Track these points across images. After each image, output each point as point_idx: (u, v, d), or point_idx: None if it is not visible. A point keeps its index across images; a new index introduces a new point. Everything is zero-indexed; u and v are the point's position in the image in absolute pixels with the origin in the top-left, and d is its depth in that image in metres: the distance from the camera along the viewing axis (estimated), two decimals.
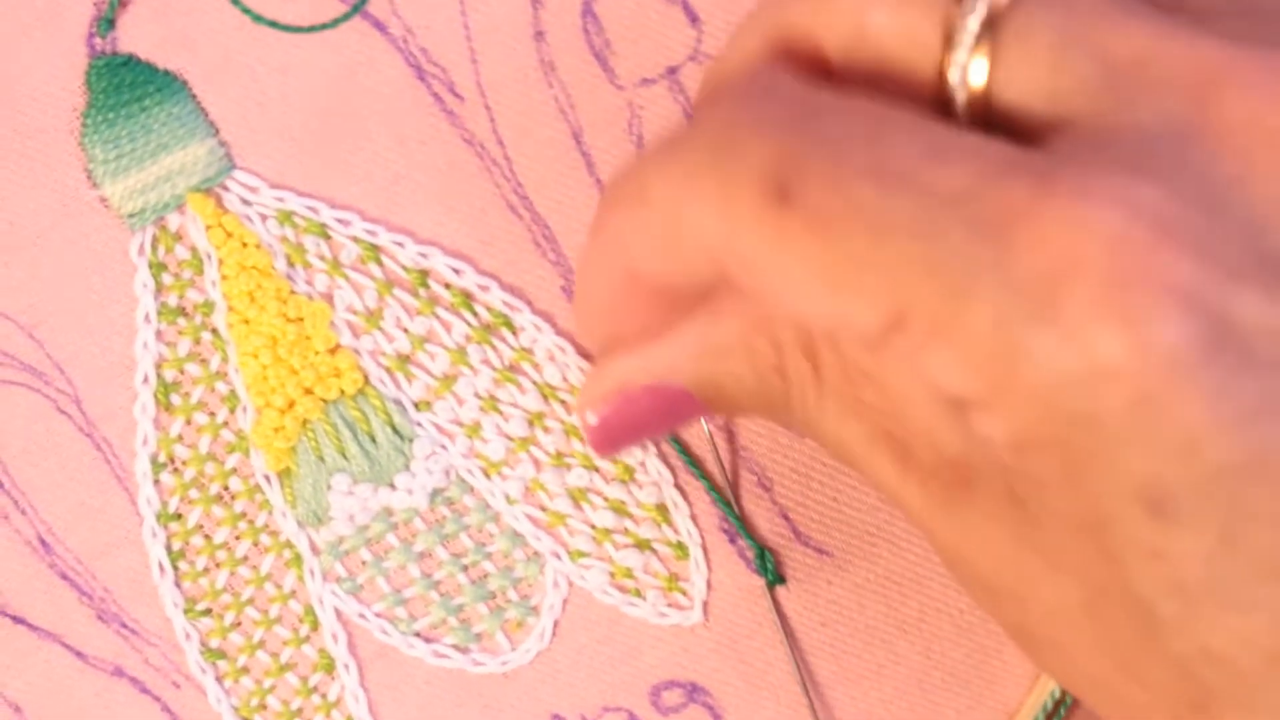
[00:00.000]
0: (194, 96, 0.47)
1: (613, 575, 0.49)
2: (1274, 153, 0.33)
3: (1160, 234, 0.33)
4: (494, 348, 0.48)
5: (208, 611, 0.48)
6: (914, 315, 0.34)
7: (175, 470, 0.48)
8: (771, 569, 0.49)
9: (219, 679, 0.49)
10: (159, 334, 0.47)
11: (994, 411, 0.34)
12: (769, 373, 0.39)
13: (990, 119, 0.36)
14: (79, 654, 0.48)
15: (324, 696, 0.49)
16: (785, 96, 0.37)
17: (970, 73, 0.36)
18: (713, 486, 0.49)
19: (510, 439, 0.48)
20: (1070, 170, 0.33)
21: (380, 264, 0.48)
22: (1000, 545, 0.37)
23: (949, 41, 0.36)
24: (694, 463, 0.49)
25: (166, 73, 0.47)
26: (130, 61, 0.47)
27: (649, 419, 0.41)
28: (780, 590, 0.49)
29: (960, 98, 0.36)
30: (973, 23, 0.36)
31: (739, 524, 0.49)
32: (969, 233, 0.33)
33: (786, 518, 0.49)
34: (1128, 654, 0.36)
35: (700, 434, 0.49)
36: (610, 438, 0.41)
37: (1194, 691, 0.35)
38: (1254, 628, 0.34)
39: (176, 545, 0.48)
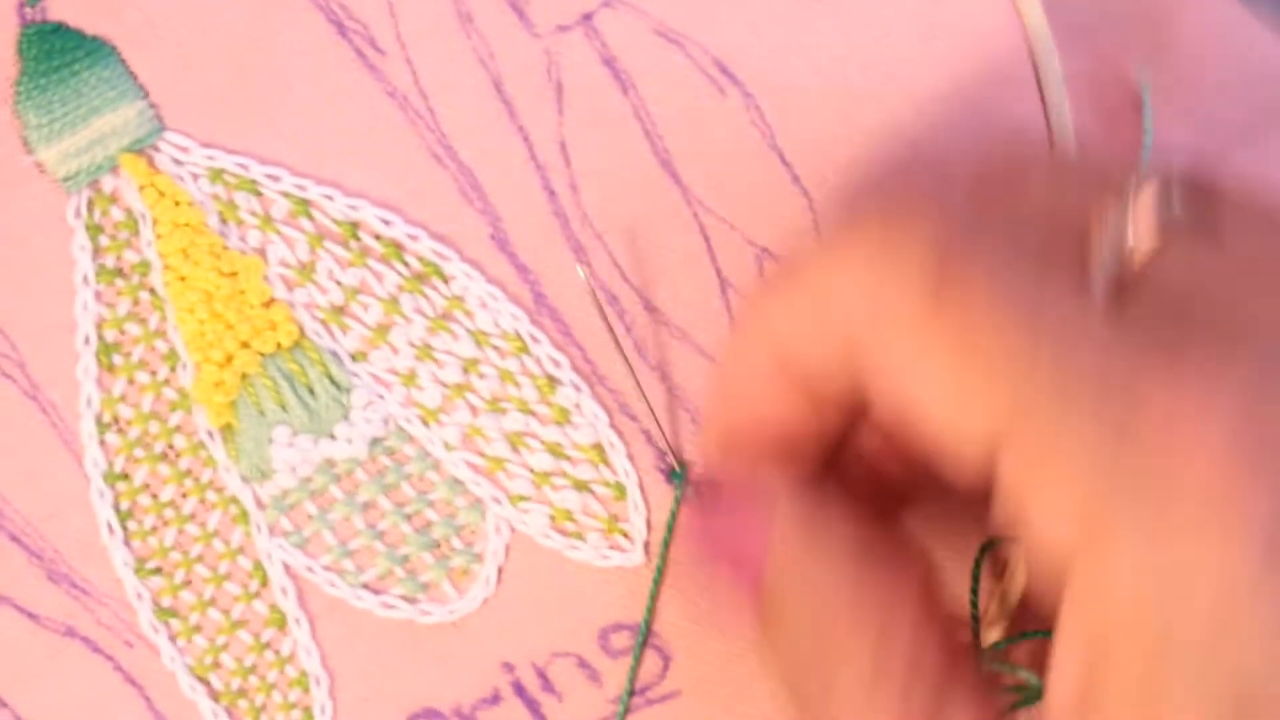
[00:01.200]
0: (122, 60, 0.49)
1: (553, 519, 0.50)
2: None
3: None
4: (426, 296, 0.49)
5: (158, 570, 0.50)
6: (1022, 434, 0.36)
7: (120, 430, 0.49)
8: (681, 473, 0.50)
9: (172, 638, 0.50)
10: (98, 295, 0.49)
11: (1077, 576, 0.35)
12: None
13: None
14: (30, 615, 0.49)
15: (277, 652, 0.50)
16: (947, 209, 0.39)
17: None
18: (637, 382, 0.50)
19: (446, 386, 0.50)
20: (1195, 365, 0.35)
21: (311, 218, 0.49)
22: None
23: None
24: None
25: (95, 38, 0.48)
26: (60, 29, 0.48)
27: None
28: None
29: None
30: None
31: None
32: (1100, 390, 0.35)
33: None
34: None
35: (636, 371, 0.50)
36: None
37: None
38: None
39: (124, 505, 0.49)
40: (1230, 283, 0.37)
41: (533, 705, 0.51)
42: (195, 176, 0.49)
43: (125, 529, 0.49)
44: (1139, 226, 0.38)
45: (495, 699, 0.51)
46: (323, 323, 0.49)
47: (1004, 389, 0.36)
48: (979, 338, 0.36)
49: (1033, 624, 0.47)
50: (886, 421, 0.41)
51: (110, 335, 0.49)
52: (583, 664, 0.51)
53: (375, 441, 0.50)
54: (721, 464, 0.44)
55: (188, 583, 0.50)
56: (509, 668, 0.51)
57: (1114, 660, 0.35)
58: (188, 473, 0.50)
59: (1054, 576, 0.36)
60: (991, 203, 0.40)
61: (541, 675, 0.51)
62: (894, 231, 0.38)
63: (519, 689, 0.51)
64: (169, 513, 0.50)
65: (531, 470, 0.50)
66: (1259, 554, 0.33)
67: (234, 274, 0.49)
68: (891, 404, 0.39)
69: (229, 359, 0.49)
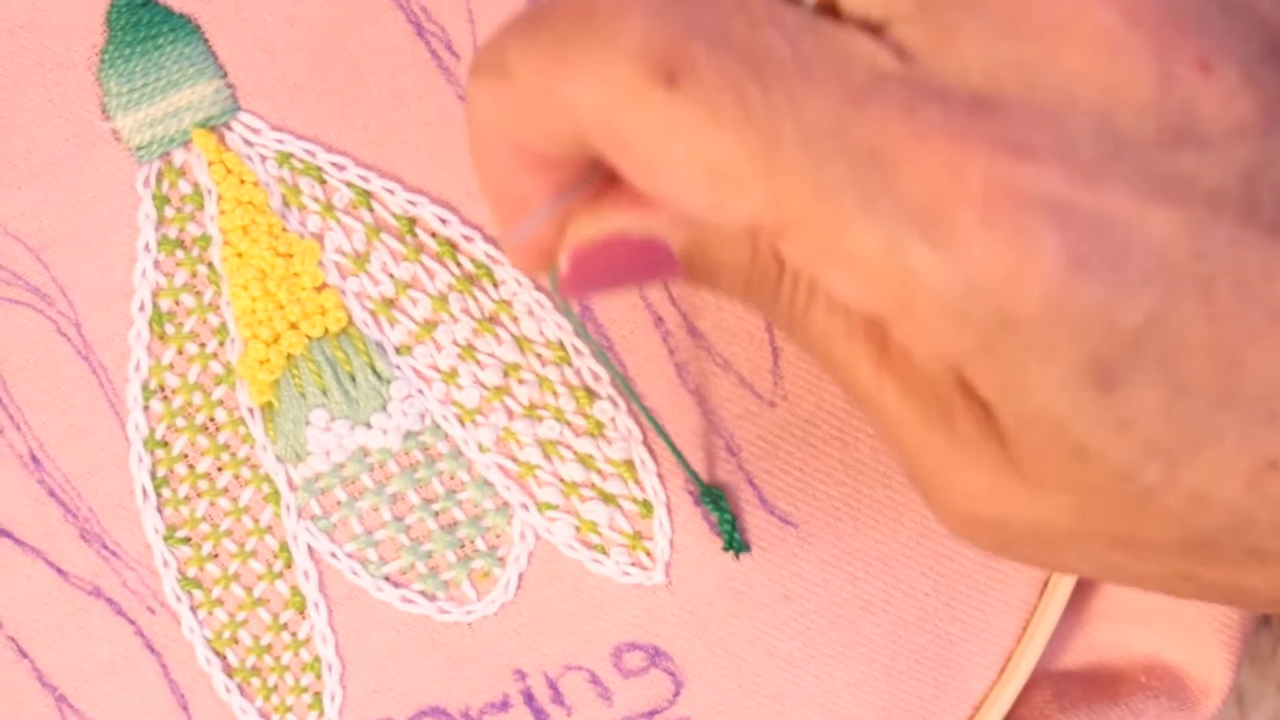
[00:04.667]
0: (205, 39, 0.51)
1: (578, 529, 0.52)
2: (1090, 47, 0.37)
3: (1022, 157, 0.36)
4: (475, 298, 0.52)
5: (186, 540, 0.52)
6: (801, 231, 0.37)
7: (164, 398, 0.52)
8: (736, 539, 0.52)
9: (193, 609, 0.52)
10: (157, 264, 0.52)
11: (904, 327, 0.37)
12: (767, 255, 0.41)
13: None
14: (60, 571, 0.52)
15: (294, 634, 0.52)
16: None
17: None
18: (674, 447, 0.52)
19: (485, 388, 0.52)
20: (933, 108, 0.37)
21: (370, 209, 0.52)
22: (977, 473, 0.40)
23: None
24: (658, 425, 0.52)
25: (181, 15, 0.51)
26: (148, 3, 0.51)
27: (623, 272, 0.43)
28: (744, 559, 0.52)
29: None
30: None
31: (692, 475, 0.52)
32: (851, 160, 0.37)
33: (753, 484, 0.52)
34: (1126, 535, 0.39)
35: (670, 396, 0.52)
36: (581, 281, 0.43)
37: (1195, 541, 0.39)
38: (1227, 456, 0.37)
39: (161, 472, 0.52)
40: None
41: (540, 715, 0.53)
42: (263, 158, 0.52)
43: (159, 496, 0.52)
44: None
45: (504, 705, 0.53)
46: (371, 313, 0.52)
47: (764, 182, 0.37)
48: (726, 118, 0.37)
49: None
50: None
51: (165, 304, 0.52)
52: (594, 680, 0.53)
53: (410, 435, 0.52)
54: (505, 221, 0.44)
55: (214, 555, 0.52)
56: (521, 675, 0.52)
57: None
58: (225, 446, 0.52)
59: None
60: None
61: (553, 686, 0.53)
62: (601, 8, 0.39)
63: (528, 698, 0.53)
64: (203, 484, 0.52)
65: (562, 480, 0.52)
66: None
67: (290, 256, 0.51)
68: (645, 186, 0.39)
69: (276, 338, 0.51)
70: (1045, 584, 0.53)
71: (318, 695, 0.53)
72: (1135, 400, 0.37)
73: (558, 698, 0.53)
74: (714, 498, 0.52)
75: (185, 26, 0.52)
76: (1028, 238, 0.36)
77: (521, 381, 0.52)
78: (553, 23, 0.39)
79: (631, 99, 0.38)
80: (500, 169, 0.42)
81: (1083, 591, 0.54)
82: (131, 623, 0.52)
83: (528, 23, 0.39)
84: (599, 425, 0.52)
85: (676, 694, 0.53)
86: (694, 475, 0.52)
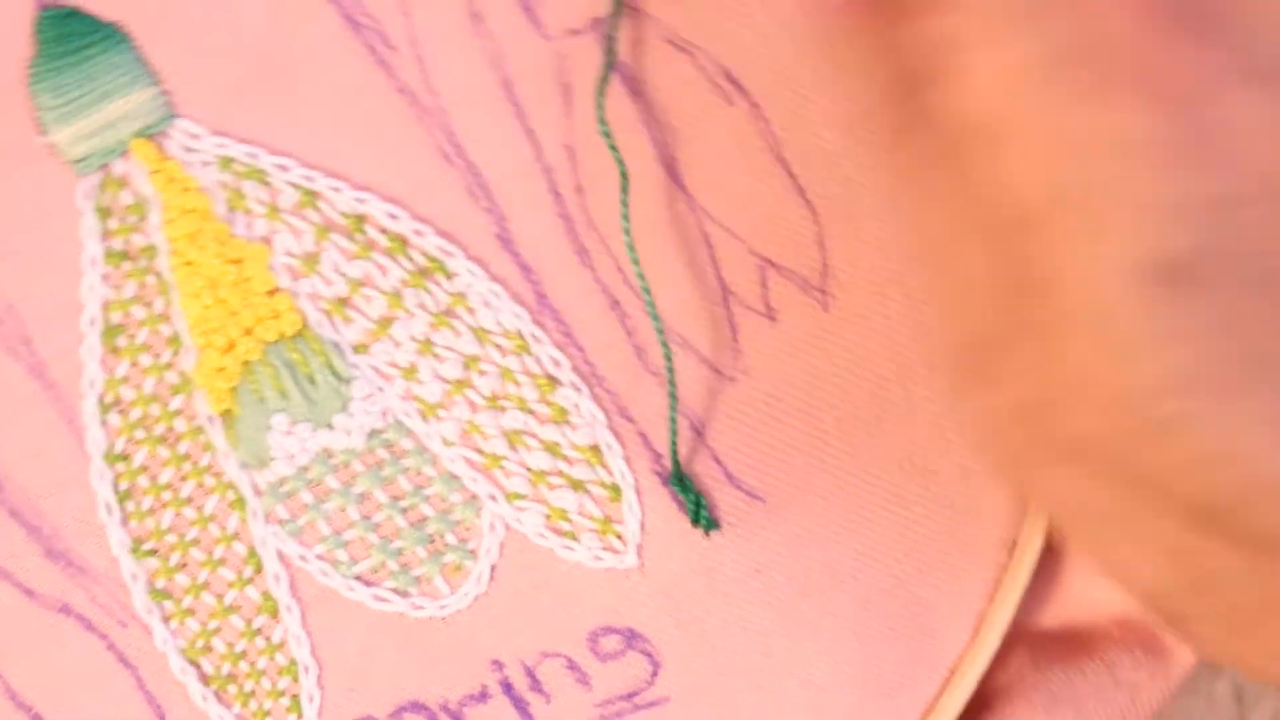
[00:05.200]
0: (136, 46, 0.51)
1: (548, 517, 0.52)
2: None
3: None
4: (429, 292, 0.51)
5: (153, 552, 0.52)
6: None
7: (122, 411, 0.51)
8: (705, 516, 0.52)
9: (165, 619, 0.52)
10: (105, 277, 0.51)
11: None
12: None
13: None
14: (26, 590, 0.52)
15: (267, 639, 0.52)
16: None
17: None
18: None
19: (446, 381, 0.52)
20: None
21: (317, 209, 0.51)
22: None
23: None
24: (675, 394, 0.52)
25: (109, 24, 0.51)
26: (75, 13, 0.51)
27: None
28: (714, 536, 0.52)
29: None
30: None
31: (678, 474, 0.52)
32: None
33: (718, 461, 0.52)
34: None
35: (632, 379, 0.52)
36: None
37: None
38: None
39: (123, 485, 0.52)
40: None
41: (520, 704, 0.53)
42: (205, 164, 0.51)
43: (123, 509, 0.52)
44: None
45: (483, 696, 0.53)
46: (326, 313, 0.51)
47: None
48: None
49: None
50: None
51: (115, 317, 0.51)
52: (572, 666, 0.53)
53: (373, 434, 0.52)
54: None
55: (182, 565, 0.52)
56: (498, 665, 0.53)
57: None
58: (187, 456, 0.52)
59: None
60: None
61: (530, 674, 0.53)
62: None
63: (507, 687, 0.53)
64: (167, 495, 0.52)
65: (529, 469, 0.52)
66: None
67: (239, 261, 0.51)
68: None
69: (232, 345, 0.51)
70: (1014, 544, 0.54)
71: (295, 698, 0.53)
72: (1194, 311, 0.36)
73: (536, 685, 0.53)
74: (681, 479, 0.52)
75: (115, 35, 0.51)
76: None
77: (482, 373, 0.52)
78: None
79: None
80: None
81: (1056, 552, 0.55)
82: (103, 637, 0.52)
83: None
84: (563, 412, 0.52)
85: (654, 674, 0.53)
86: (674, 455, 0.52)
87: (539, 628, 0.53)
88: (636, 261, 0.51)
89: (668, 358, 0.51)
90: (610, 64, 0.50)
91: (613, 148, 0.50)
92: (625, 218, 0.50)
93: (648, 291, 0.51)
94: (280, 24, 0.51)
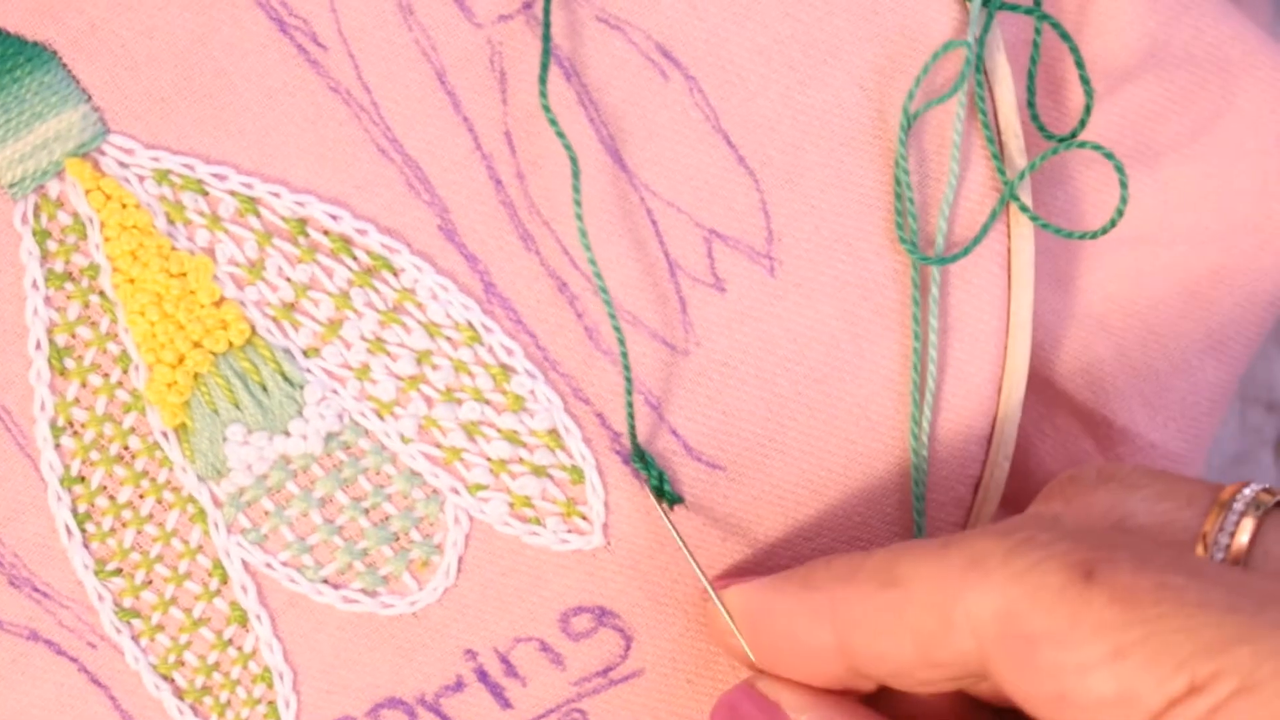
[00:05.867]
0: (64, 65, 0.50)
1: (512, 505, 0.52)
2: None
3: None
4: (376, 290, 0.51)
5: (118, 571, 0.52)
6: (1219, 680, 0.40)
7: (75, 433, 0.51)
8: (668, 491, 0.52)
9: (135, 638, 0.52)
10: (48, 300, 0.51)
11: None
12: None
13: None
14: None
15: (240, 649, 0.52)
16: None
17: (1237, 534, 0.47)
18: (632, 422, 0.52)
19: (400, 378, 0.52)
20: None
21: (258, 215, 0.51)
22: None
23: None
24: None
25: (35, 44, 0.50)
26: None
27: None
28: (678, 508, 0.53)
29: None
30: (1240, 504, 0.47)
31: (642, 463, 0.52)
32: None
33: (676, 434, 0.52)
34: None
35: (585, 360, 0.52)
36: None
37: None
38: None
39: (82, 508, 0.51)
40: None
41: (496, 690, 0.53)
42: (141, 178, 0.51)
43: (84, 531, 0.51)
44: (1240, 526, 0.47)
45: (459, 686, 0.53)
46: (274, 320, 0.51)
47: (1185, 644, 0.41)
48: (1141, 600, 0.42)
49: None
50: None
51: (61, 339, 0.51)
52: (545, 648, 0.53)
53: (331, 437, 0.52)
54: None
55: (148, 583, 0.52)
56: (472, 655, 0.53)
57: None
58: (144, 474, 0.52)
59: None
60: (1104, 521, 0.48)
61: (504, 660, 0.53)
62: (1029, 539, 0.45)
63: (482, 675, 0.53)
64: (127, 514, 0.52)
65: (489, 458, 0.52)
66: None
67: (183, 274, 0.51)
68: (1036, 689, 0.44)
69: (181, 359, 0.51)
70: (979, 481, 0.55)
71: (272, 704, 0.53)
72: None
73: (510, 671, 0.53)
74: (641, 456, 0.52)
75: (41, 55, 0.50)
76: None
77: (435, 367, 0.52)
78: (968, 542, 0.46)
79: (1051, 597, 0.43)
80: (793, 653, 0.50)
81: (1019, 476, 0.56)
82: (73, 660, 0.52)
83: (921, 546, 0.47)
84: (518, 400, 0.52)
85: (627, 649, 0.54)
86: (633, 435, 0.52)
87: (510, 614, 0.53)
88: (589, 248, 0.51)
89: (621, 341, 0.51)
90: (547, 49, 0.50)
91: (560, 134, 0.50)
92: (578, 203, 0.50)
93: (599, 276, 0.51)
94: (207, 30, 0.51)
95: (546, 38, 0.50)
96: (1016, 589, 0.44)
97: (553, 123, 0.50)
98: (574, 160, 0.50)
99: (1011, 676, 0.44)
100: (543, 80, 0.50)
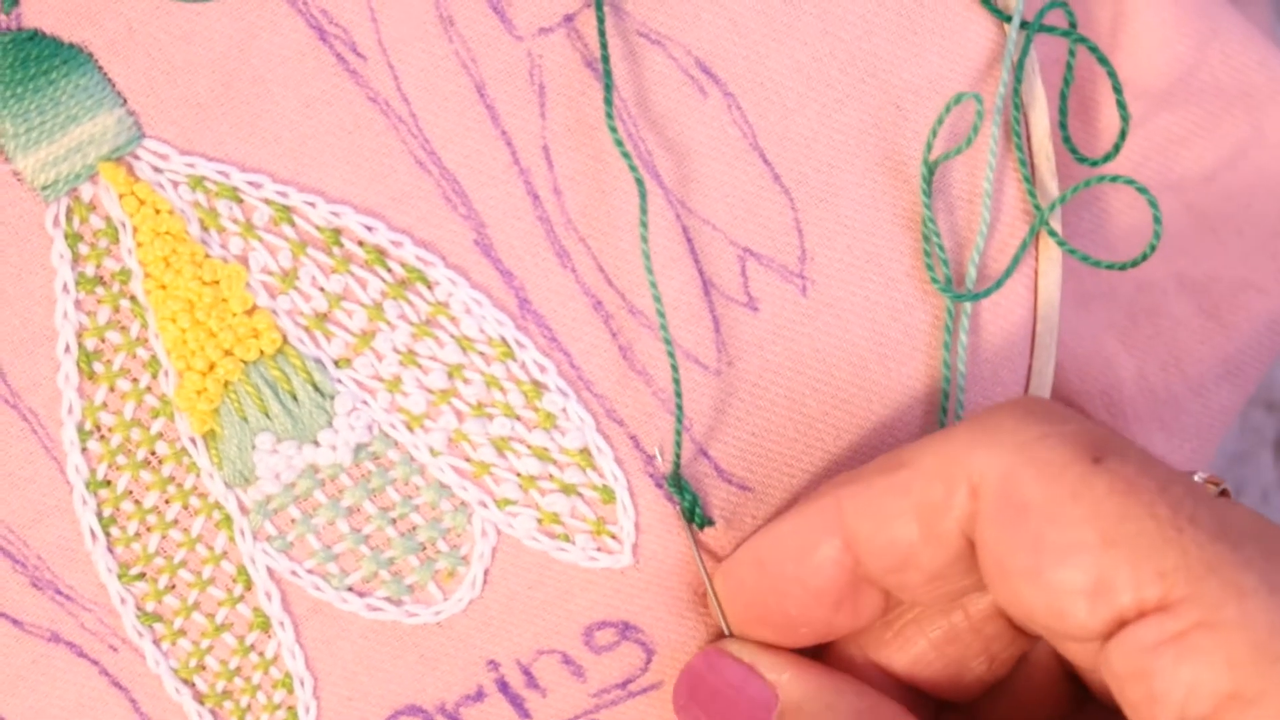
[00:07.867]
0: (100, 68, 0.50)
1: (540, 521, 0.52)
2: None
3: None
4: (410, 303, 0.51)
5: (141, 575, 0.52)
6: (1186, 606, 0.41)
7: (102, 437, 0.51)
8: (700, 515, 0.52)
9: (156, 641, 0.52)
10: (78, 303, 0.50)
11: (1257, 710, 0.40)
12: None
13: None
14: (15, 621, 0.51)
15: (261, 654, 0.52)
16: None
17: None
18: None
19: (431, 392, 0.51)
20: None
21: (293, 224, 0.51)
22: None
23: None
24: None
25: (71, 46, 0.50)
26: (35, 36, 0.50)
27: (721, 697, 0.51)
28: (709, 530, 0.53)
29: None
30: None
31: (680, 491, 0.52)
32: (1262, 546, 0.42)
33: (707, 455, 0.52)
34: None
35: (619, 379, 0.52)
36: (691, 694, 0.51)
37: None
38: None
39: (107, 512, 0.51)
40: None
41: (516, 701, 0.53)
42: (175, 184, 0.50)
43: (108, 535, 0.51)
44: None
45: (479, 696, 0.53)
46: (306, 329, 0.51)
47: (1165, 554, 0.42)
48: (1140, 495, 0.42)
49: None
50: (995, 587, 0.45)
51: (91, 343, 0.51)
52: (567, 660, 0.53)
53: (360, 448, 0.52)
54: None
55: (172, 587, 0.52)
56: (493, 665, 0.53)
57: None
58: (170, 479, 0.51)
59: None
60: None
61: (526, 672, 0.53)
62: (1044, 414, 0.45)
63: (503, 685, 0.53)
64: (152, 519, 0.51)
65: (519, 474, 0.52)
66: None
67: (216, 282, 0.50)
68: (1012, 562, 0.44)
69: (211, 367, 0.51)
70: None
71: (292, 710, 0.53)
72: None
73: (531, 682, 0.53)
74: (676, 482, 0.52)
75: (78, 57, 0.50)
76: None
77: (467, 381, 0.52)
78: (977, 417, 0.46)
79: (1055, 470, 0.43)
80: (782, 577, 0.50)
81: None
82: (95, 663, 0.52)
83: (931, 434, 0.47)
84: (550, 417, 0.52)
85: (648, 661, 0.54)
86: (676, 462, 0.52)
87: (535, 627, 0.53)
88: (650, 270, 0.50)
89: (675, 368, 0.51)
90: (608, 83, 0.50)
91: (633, 167, 0.50)
92: (644, 226, 0.50)
93: (659, 300, 0.51)
94: (245, 37, 0.50)
95: (607, 70, 0.50)
96: (1021, 456, 0.44)
97: (625, 156, 0.49)
98: (640, 184, 0.50)
99: (992, 543, 0.44)
100: (608, 102, 0.50)
